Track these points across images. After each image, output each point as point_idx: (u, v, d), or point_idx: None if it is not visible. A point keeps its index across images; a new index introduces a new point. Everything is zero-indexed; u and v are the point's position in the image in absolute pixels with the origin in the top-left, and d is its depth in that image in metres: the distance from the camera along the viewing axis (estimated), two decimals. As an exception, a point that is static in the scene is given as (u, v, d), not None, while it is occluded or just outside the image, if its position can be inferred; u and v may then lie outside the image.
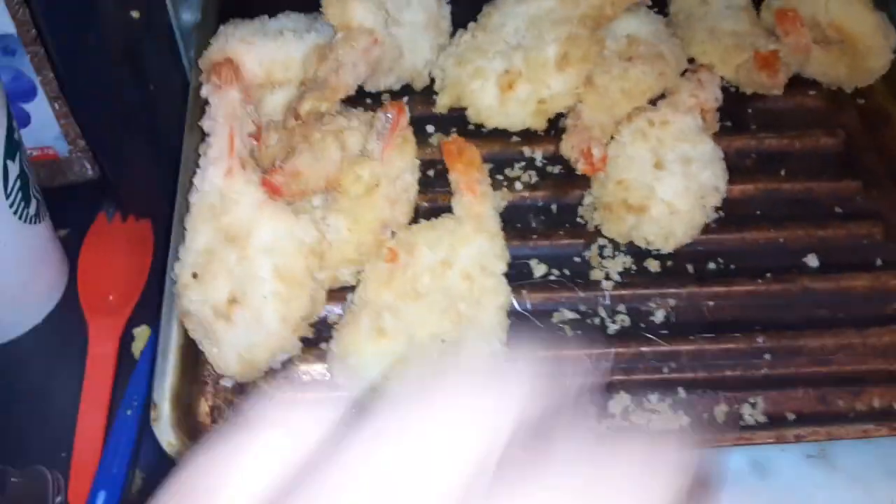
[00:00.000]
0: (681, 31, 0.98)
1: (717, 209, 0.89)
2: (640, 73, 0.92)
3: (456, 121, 0.95)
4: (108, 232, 1.07)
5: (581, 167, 0.89)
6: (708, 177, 0.85)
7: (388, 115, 0.80)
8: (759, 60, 0.92)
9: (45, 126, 1.03)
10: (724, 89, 0.96)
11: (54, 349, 0.97)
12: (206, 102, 0.78)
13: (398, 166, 0.80)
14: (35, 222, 0.92)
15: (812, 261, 0.88)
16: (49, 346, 0.97)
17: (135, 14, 0.80)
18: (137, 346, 0.98)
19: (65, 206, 1.07)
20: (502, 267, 0.80)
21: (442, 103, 0.95)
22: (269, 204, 0.74)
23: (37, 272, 0.96)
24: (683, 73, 0.95)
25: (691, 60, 0.97)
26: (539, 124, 0.93)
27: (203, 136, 0.77)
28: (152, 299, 1.01)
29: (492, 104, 0.92)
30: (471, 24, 0.98)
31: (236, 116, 0.75)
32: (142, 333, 0.98)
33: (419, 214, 0.87)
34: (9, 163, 0.85)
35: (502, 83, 0.91)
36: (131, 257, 1.04)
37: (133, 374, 0.95)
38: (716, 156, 0.87)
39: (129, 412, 0.90)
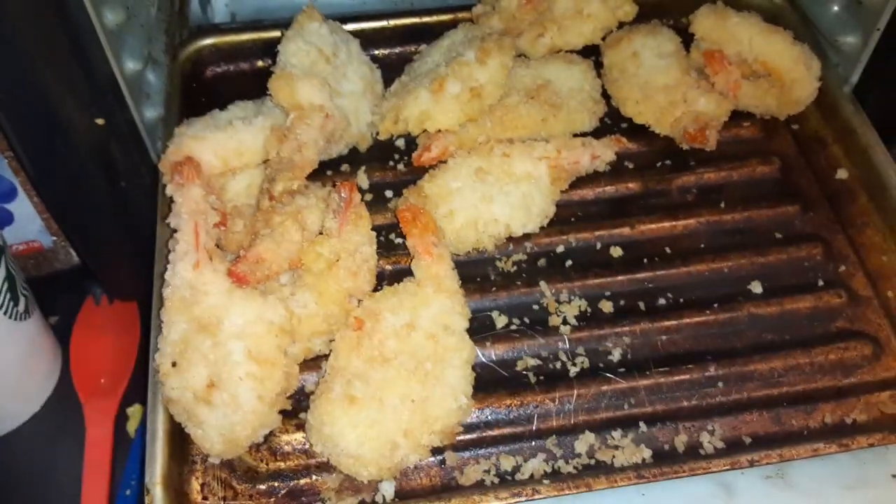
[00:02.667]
0: (615, 89, 1.04)
1: (664, 246, 0.96)
2: (523, 111, 0.99)
3: (412, 183, 1.00)
4: (97, 315, 1.13)
5: (418, 157, 0.99)
6: (495, 212, 0.93)
7: (342, 194, 0.86)
8: (689, 138, 0.98)
9: (28, 221, 1.09)
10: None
11: (53, 435, 1.02)
12: (171, 200, 0.83)
13: (355, 240, 0.85)
14: (25, 318, 0.98)
15: (756, 287, 0.93)
16: (48, 433, 1.02)
17: (99, 121, 0.85)
18: (132, 425, 1.03)
19: (53, 294, 1.12)
20: (464, 323, 0.85)
21: (384, 128, 1.01)
22: (237, 290, 0.79)
23: (31, 364, 1.02)
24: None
25: (629, 120, 1.03)
26: (476, 114, 0.98)
27: (172, 230, 0.82)
28: (142, 379, 1.06)
29: (427, 107, 0.97)
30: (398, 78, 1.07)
31: (200, 211, 0.80)
32: (135, 412, 1.03)
33: (385, 278, 0.92)
34: (-6, 269, 0.90)
35: (433, 87, 0.97)
36: (120, 339, 1.09)
37: (130, 453, 1.00)
38: (522, 203, 0.93)
39: (128, 492, 0.95)
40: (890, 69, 1.00)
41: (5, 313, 0.93)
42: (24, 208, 1.07)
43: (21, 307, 0.96)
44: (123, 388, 1.04)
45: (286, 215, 0.85)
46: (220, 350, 0.77)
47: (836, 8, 1.08)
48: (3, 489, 0.98)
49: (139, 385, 1.04)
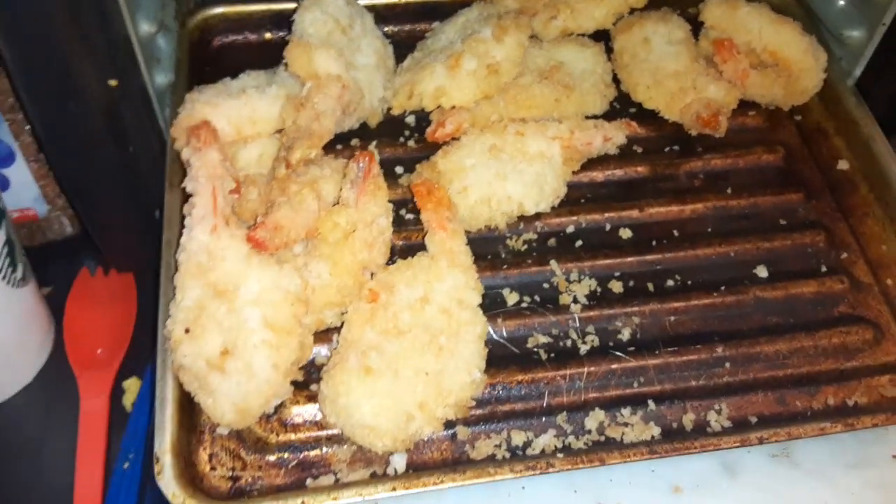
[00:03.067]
0: (625, 74, 1.05)
1: (671, 229, 0.97)
2: (536, 91, 0.99)
3: (423, 160, 0.99)
4: (92, 286, 1.10)
5: (432, 132, 0.99)
6: (509, 190, 0.93)
7: (361, 164, 0.85)
8: (701, 123, 0.99)
9: (24, 188, 1.06)
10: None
11: (46, 407, 0.99)
12: (186, 164, 0.81)
13: (372, 211, 0.85)
14: (21, 285, 0.95)
15: (762, 271, 0.94)
16: (41, 405, 1.00)
17: (112, 83, 0.83)
18: (128, 399, 1.00)
19: (46, 264, 1.09)
20: (477, 299, 0.85)
21: (398, 103, 1.00)
22: (254, 256, 0.78)
23: (25, 333, 0.99)
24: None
25: (637, 105, 1.05)
26: (492, 90, 0.98)
27: (185, 196, 0.81)
28: (139, 351, 1.04)
29: (443, 83, 0.97)
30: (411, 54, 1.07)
31: (217, 175, 0.79)
32: (131, 386, 1.01)
33: (395, 253, 0.92)
34: (-5, 231, 0.88)
35: (449, 63, 0.97)
36: (116, 311, 1.06)
37: (127, 427, 0.98)
38: (535, 181, 0.94)
39: (126, 466, 0.92)
40: (894, 63, 1.02)
41: (3, 279, 0.91)
42: (21, 174, 1.04)
43: (19, 273, 0.94)
44: (120, 361, 1.02)
45: (303, 184, 0.84)
46: (236, 317, 0.76)
47: (841, 2, 1.10)
48: (-7, 460, 0.96)
49: (136, 358, 1.02)
